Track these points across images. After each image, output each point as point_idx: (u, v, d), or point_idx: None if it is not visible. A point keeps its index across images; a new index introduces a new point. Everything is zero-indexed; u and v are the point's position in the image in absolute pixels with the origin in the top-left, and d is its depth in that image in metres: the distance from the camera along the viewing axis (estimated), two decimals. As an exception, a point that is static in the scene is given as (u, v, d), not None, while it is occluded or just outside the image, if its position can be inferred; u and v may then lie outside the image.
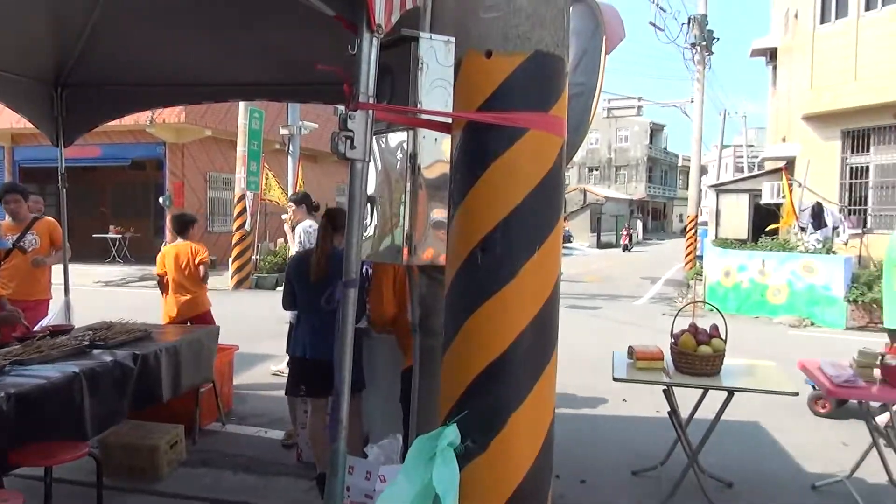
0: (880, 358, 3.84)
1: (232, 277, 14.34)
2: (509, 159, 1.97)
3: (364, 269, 3.92)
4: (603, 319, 11.32)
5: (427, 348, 2.67)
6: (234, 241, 14.52)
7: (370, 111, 1.96)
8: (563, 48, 2.08)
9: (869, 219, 14.16)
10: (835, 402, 5.59)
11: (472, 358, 2.03)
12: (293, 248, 6.65)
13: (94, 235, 18.54)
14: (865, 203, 14.34)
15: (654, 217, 59.83)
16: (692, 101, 19.53)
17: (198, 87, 5.42)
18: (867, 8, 13.70)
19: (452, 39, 2.14)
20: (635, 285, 16.94)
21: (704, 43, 18.41)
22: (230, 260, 14.64)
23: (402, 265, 2.59)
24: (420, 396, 2.68)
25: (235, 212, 14.68)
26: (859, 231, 13.40)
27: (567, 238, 33.64)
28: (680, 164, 60.57)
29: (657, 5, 17.39)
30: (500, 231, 1.97)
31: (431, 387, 2.34)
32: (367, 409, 4.05)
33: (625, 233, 34.46)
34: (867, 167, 14.32)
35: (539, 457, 2.08)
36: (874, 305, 10.40)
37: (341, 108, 1.97)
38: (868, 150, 14.25)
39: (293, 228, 6.70)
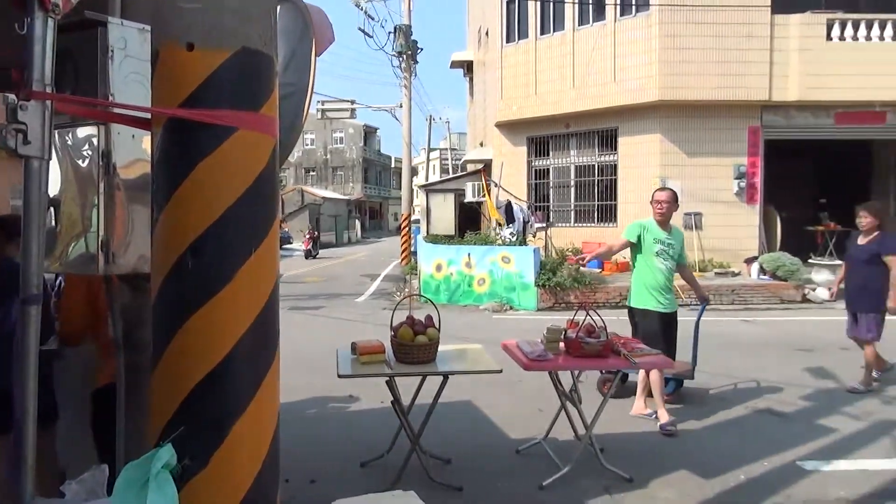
0: (563, 333, 4.47)
1: None
2: (218, 159, 1.87)
3: (57, 282, 3.42)
4: (325, 318, 11.43)
5: (133, 365, 2.43)
6: None
7: (49, 102, 1.71)
8: (271, 46, 2.04)
9: (551, 214, 16.41)
10: (619, 381, 5.67)
11: (187, 370, 1.90)
12: None
13: None
14: (548, 200, 16.59)
15: (372, 216, 62.05)
16: (401, 106, 20.62)
17: None
18: (542, 32, 15.82)
19: (148, 28, 1.97)
20: (356, 283, 17.40)
21: (410, 52, 19.54)
22: None
23: (98, 275, 2.31)
24: (126, 419, 2.43)
25: None
26: (544, 225, 15.45)
27: (286, 239, 33.23)
28: (393, 165, 63.64)
29: (365, 12, 18.01)
30: (212, 234, 1.87)
31: (140, 407, 2.14)
32: (62, 441, 3.54)
33: (307, 236, 28.76)
34: (548, 169, 16.58)
35: (265, 464, 2.02)
36: (558, 288, 12.09)
37: (11, 96, 1.69)
38: (548, 154, 16.50)
39: None
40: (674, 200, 5.44)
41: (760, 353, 8.21)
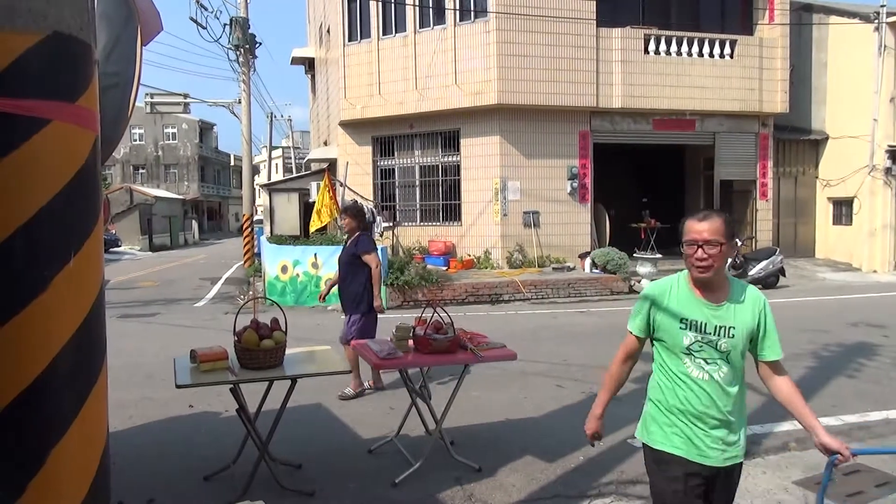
0: (412, 330, 4.52)
1: None
2: (26, 154, 1.68)
3: None
4: (161, 326, 10.71)
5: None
6: None
7: None
8: (88, 32, 1.87)
9: (398, 213, 16.53)
10: None
11: (-6, 392, 1.69)
12: None
13: None
14: (395, 200, 16.69)
15: (210, 217, 58.99)
16: (239, 102, 19.80)
17: None
18: (384, 33, 15.87)
19: (-65, 3, 1.72)
20: (195, 287, 16.49)
21: (248, 46, 18.80)
22: None
23: None
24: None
25: None
26: (391, 224, 15.54)
27: (114, 242, 30.75)
28: (233, 163, 60.90)
29: (197, 1, 17.06)
30: (21, 238, 1.67)
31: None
32: None
33: None
34: (394, 169, 16.68)
35: (93, 488, 1.86)
36: (406, 287, 12.21)
37: None
38: (394, 154, 16.60)
39: None
40: (730, 236, 2.50)
41: (594, 341, 8.81)
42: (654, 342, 2.66)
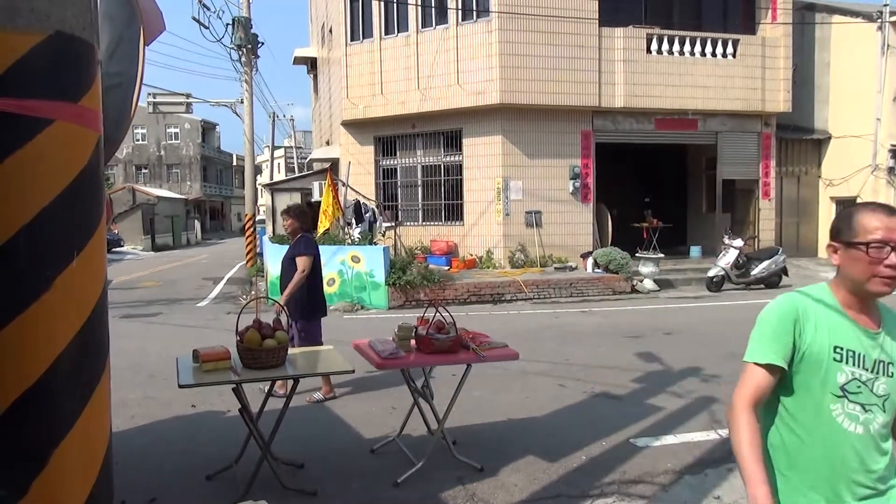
0: (414, 330, 4.52)
1: None
2: (30, 154, 1.68)
3: None
4: (163, 325, 10.73)
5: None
6: None
7: None
8: (91, 32, 1.87)
9: (400, 213, 16.52)
10: None
11: (-3, 391, 1.69)
12: None
13: None
14: (397, 199, 16.69)
15: (213, 216, 59.06)
16: (242, 102, 19.82)
17: None
18: (386, 32, 15.86)
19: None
20: (197, 287, 16.51)
21: (250, 46, 18.82)
22: None
23: None
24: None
25: None
26: (393, 224, 15.54)
27: (116, 242, 30.80)
28: (235, 163, 60.93)
29: (200, 1, 17.08)
30: (25, 237, 1.68)
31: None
32: None
33: None
34: (396, 169, 16.68)
35: (95, 488, 1.86)
36: (408, 286, 12.20)
37: None
38: (396, 154, 16.60)
39: None
40: None
41: (596, 341, 8.80)
42: (789, 380, 1.89)
